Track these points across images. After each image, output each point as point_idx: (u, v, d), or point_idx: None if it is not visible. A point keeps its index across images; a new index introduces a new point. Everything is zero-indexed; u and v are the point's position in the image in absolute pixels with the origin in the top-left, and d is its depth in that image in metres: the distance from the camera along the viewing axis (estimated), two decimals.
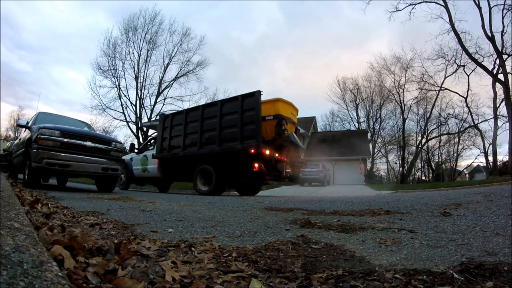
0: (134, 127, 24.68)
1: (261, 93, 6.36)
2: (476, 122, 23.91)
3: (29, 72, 55.59)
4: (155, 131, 12.08)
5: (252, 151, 6.10)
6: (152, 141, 9.54)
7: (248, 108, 6.43)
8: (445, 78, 24.02)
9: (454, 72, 22.35)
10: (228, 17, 55.44)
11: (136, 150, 9.54)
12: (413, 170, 33.08)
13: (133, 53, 24.71)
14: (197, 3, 49.91)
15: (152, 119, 24.48)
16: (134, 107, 24.65)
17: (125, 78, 24.47)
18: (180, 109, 22.71)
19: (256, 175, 6.42)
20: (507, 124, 17.95)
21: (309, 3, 51.82)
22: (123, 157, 9.87)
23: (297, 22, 57.16)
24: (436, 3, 19.05)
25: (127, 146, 26.36)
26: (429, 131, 30.17)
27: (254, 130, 6.24)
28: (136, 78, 24.66)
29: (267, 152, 6.25)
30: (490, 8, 16.97)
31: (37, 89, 57.33)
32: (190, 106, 8.46)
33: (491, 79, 18.70)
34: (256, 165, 6.15)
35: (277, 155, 6.68)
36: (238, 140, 6.41)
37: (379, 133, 33.52)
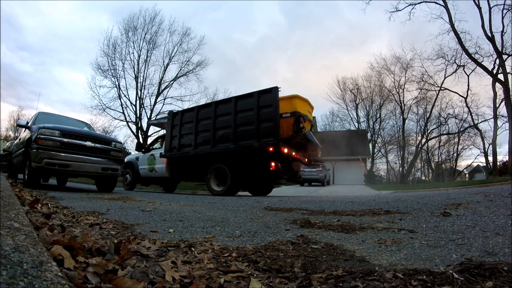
0: (134, 127, 24.68)
1: (279, 89, 6.09)
2: (476, 122, 23.96)
3: (31, 73, 55.62)
4: (160, 128, 11.85)
5: (271, 149, 5.86)
6: (159, 139, 9.23)
7: (265, 105, 6.18)
8: (445, 78, 24.08)
9: (454, 72, 22.39)
10: (229, 19, 55.47)
11: (143, 149, 9.25)
12: (413, 170, 33.11)
13: (133, 53, 24.66)
14: (198, 6, 49.97)
15: (152, 118, 24.46)
16: (134, 107, 24.64)
17: (125, 78, 24.43)
18: (180, 109, 22.69)
19: (272, 175, 6.24)
20: (507, 124, 17.97)
21: (309, 5, 51.84)
22: (128, 157, 9.77)
23: (298, 24, 57.12)
24: (436, 3, 19.05)
25: (127, 146, 26.31)
26: (429, 131, 30.22)
27: (272, 127, 5.99)
28: (136, 78, 24.62)
29: (285, 150, 6.05)
30: (490, 8, 16.97)
31: (39, 90, 57.35)
32: (201, 103, 8.03)
33: (491, 79, 18.70)
34: (273, 164, 5.96)
35: (293, 153, 6.49)
36: (255, 138, 6.17)
37: (379, 133, 33.55)
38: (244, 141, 6.39)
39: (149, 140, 23.91)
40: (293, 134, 6.33)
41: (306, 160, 7.38)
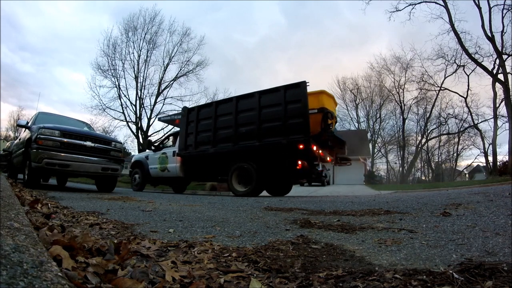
0: (134, 127, 24.67)
1: (308, 84, 5.81)
2: (476, 122, 24.05)
3: (32, 74, 56.00)
4: (171, 125, 11.45)
5: (301, 146, 5.61)
6: (171, 137, 8.73)
7: (292, 100, 5.89)
8: (445, 78, 24.17)
9: (454, 72, 22.47)
10: (230, 20, 55.76)
11: (153, 147, 8.68)
12: (413, 170, 33.14)
13: (133, 53, 24.69)
14: (199, 7, 50.10)
15: (152, 118, 24.40)
16: (134, 107, 24.64)
17: (125, 78, 24.44)
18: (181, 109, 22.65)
19: (299, 174, 6.03)
20: (507, 124, 18.03)
21: (310, 6, 52.00)
22: (136, 156, 9.51)
23: (298, 24, 57.43)
24: (436, 3, 19.09)
25: (127, 146, 26.17)
26: (429, 131, 30.31)
27: (301, 124, 5.70)
28: (136, 78, 24.62)
29: (315, 148, 5.79)
30: (490, 8, 17.00)
31: (40, 91, 57.64)
32: (221, 98, 7.28)
33: (491, 79, 18.74)
34: (300, 162, 5.74)
35: (320, 151, 6.22)
36: (283, 135, 5.88)
37: (379, 133, 33.58)
38: (270, 138, 6.08)
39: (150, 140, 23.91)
40: (321, 132, 6.06)
41: (329, 159, 7.06)
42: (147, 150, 9.16)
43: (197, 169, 7.46)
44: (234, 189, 6.49)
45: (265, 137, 6.14)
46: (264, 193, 7.68)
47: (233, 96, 6.87)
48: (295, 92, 5.91)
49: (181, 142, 7.57)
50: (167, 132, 23.75)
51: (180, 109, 23.92)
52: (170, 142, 8.53)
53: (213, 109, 7.10)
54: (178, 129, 8.34)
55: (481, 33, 17.59)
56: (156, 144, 8.79)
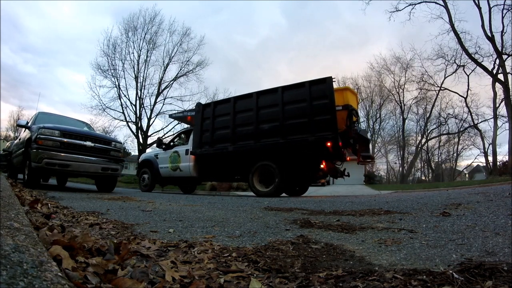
0: (134, 127, 24.67)
1: (334, 79, 5.67)
2: (476, 122, 24.04)
3: (34, 74, 56.23)
4: (182, 122, 11.14)
5: (329, 144, 5.43)
6: (182, 135, 8.40)
7: (318, 96, 5.71)
8: (445, 78, 24.15)
9: (454, 72, 22.45)
10: (231, 21, 55.97)
11: (163, 146, 8.27)
12: (413, 170, 33.13)
13: (133, 53, 24.70)
14: (200, 8, 50.20)
15: (152, 118, 24.37)
16: (134, 107, 24.64)
17: (125, 78, 24.45)
18: (181, 109, 22.67)
19: (323, 172, 5.92)
20: (507, 124, 18.02)
21: (310, 7, 52.17)
22: (144, 155, 9.37)
23: (299, 26, 57.66)
24: (436, 3, 19.09)
25: (127, 146, 26.13)
26: (429, 131, 30.27)
27: (329, 120, 5.51)
28: (136, 78, 24.62)
29: (341, 145, 5.63)
30: (490, 8, 16.98)
31: (42, 91, 57.77)
32: (239, 94, 6.94)
33: (491, 79, 18.74)
34: (324, 160, 5.64)
35: (344, 150, 6.05)
36: (309, 132, 5.68)
37: (379, 133, 33.57)
38: (295, 135, 5.88)
39: (150, 140, 23.93)
40: (346, 129, 5.89)
41: (349, 158, 6.86)
42: (156, 148, 8.83)
43: (213, 168, 7.13)
44: (256, 189, 6.25)
45: (289, 134, 5.95)
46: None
47: (253, 91, 6.62)
48: (321, 88, 5.73)
49: (195, 139, 7.27)
50: (167, 132, 23.83)
51: (180, 109, 23.86)
52: (181, 140, 8.23)
53: (231, 105, 6.79)
54: (186, 126, 8.09)
55: (481, 33, 17.60)
56: (166, 142, 8.41)
